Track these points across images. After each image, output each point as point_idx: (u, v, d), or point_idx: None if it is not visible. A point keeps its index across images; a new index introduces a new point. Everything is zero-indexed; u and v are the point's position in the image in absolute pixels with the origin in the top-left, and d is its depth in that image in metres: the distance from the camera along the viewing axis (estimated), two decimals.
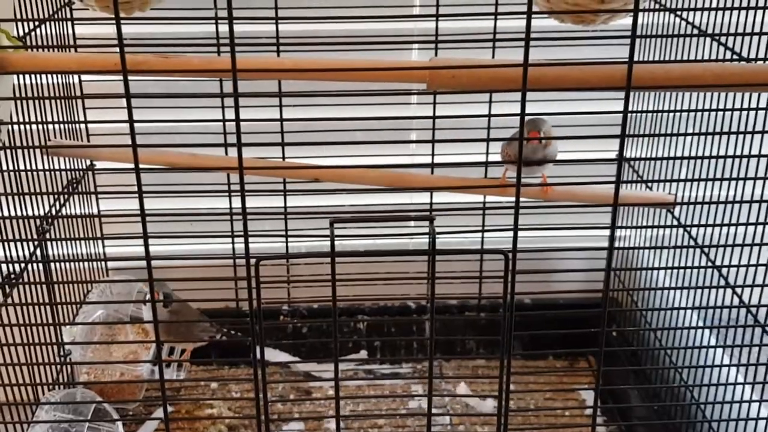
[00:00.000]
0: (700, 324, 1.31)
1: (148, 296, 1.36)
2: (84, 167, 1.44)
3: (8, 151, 1.14)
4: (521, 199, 0.85)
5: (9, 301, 1.11)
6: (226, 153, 1.43)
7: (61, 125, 1.34)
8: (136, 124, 0.82)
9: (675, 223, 1.32)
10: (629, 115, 0.85)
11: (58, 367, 1.33)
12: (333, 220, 0.91)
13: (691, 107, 1.27)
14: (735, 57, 1.09)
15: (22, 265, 1.17)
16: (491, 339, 1.63)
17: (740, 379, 1.18)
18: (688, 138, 1.29)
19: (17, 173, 1.17)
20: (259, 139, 0.88)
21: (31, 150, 1.21)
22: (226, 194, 1.48)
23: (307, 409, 1.53)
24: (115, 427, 1.24)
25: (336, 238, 0.87)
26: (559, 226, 1.36)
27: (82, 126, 1.43)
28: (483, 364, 1.63)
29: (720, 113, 1.19)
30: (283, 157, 1.44)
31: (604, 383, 0.96)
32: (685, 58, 1.27)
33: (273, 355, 1.64)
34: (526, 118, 1.06)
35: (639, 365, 1.54)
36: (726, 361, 1.21)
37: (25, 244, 1.19)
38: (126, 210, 1.45)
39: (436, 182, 1.19)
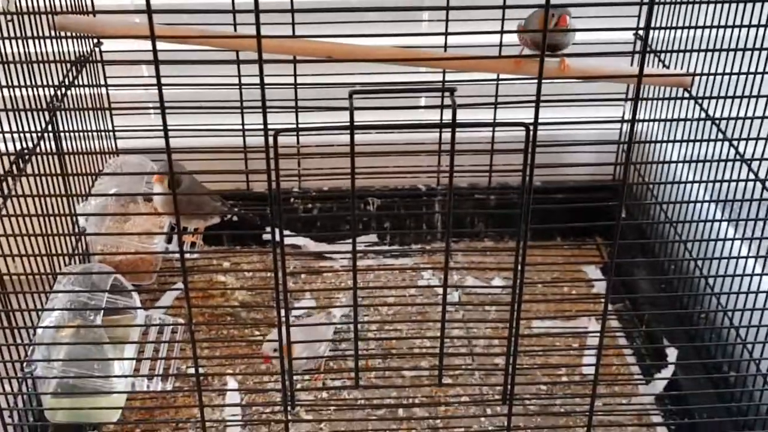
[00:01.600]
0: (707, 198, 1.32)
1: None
2: (92, 44, 1.42)
3: (17, 20, 1.13)
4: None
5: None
6: (235, 29, 1.40)
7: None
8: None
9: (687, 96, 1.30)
10: None
11: (74, 242, 1.35)
12: (352, 91, 0.90)
13: None
14: None
15: (36, 138, 1.17)
16: (502, 220, 1.64)
17: (747, 253, 1.19)
18: (704, 15, 1.27)
19: (26, 44, 1.16)
20: (269, 19, 0.84)
21: (40, 30, 1.20)
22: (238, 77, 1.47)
23: (318, 287, 1.55)
24: (132, 301, 1.26)
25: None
26: (577, 97, 1.34)
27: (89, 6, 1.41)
28: (491, 246, 1.66)
29: None
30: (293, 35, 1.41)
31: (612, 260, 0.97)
32: None
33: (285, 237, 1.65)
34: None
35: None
36: (733, 235, 1.22)
37: (37, 121, 1.19)
38: (134, 86, 1.44)
39: (453, 58, 1.17)
